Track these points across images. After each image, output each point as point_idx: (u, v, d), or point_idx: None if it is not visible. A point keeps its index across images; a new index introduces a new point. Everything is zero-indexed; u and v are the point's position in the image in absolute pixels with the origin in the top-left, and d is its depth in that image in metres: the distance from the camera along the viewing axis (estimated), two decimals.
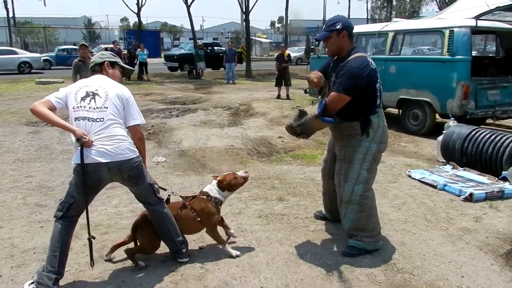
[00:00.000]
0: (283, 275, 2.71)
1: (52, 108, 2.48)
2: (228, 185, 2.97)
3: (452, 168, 4.99)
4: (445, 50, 6.63)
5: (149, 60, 17.71)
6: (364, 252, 2.95)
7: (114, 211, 3.79)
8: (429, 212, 3.76)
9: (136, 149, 2.58)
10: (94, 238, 2.67)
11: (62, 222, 2.54)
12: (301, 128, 2.81)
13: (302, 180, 4.67)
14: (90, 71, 2.78)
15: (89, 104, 2.50)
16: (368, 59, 2.76)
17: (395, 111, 8.08)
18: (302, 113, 2.80)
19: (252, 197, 4.13)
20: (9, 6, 35.38)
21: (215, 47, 23.14)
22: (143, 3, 20.92)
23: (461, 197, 4.06)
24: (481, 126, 6.49)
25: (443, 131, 5.52)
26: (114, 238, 3.20)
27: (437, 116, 7.15)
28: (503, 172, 4.52)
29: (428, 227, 3.46)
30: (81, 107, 2.50)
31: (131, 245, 2.91)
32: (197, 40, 20.68)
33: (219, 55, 21.03)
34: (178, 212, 2.89)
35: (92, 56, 4.25)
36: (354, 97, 2.71)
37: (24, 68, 20.57)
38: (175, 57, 21.32)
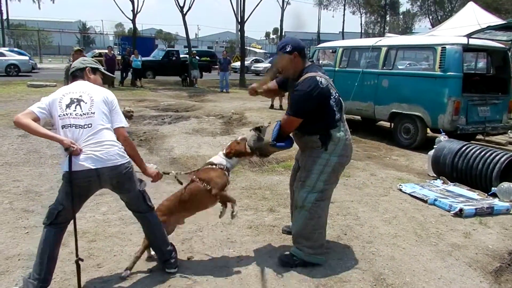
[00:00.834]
0: None
1: (36, 119, 2.42)
2: (236, 152, 3.05)
3: (443, 183, 5.02)
4: (437, 66, 6.72)
5: None
6: (299, 264, 2.93)
7: (102, 218, 3.73)
8: (419, 227, 3.76)
9: (126, 155, 2.55)
10: (82, 260, 2.51)
11: (51, 229, 2.49)
12: (259, 151, 3.00)
13: None
14: (71, 76, 2.73)
15: (75, 111, 2.47)
16: (318, 78, 2.77)
17: (387, 124, 8.14)
18: (259, 139, 2.94)
19: (243, 207, 4.10)
20: (3, 8, 35.27)
21: (185, 56, 21.26)
22: (138, 10, 20.92)
23: (451, 212, 4.08)
24: (472, 141, 6.55)
25: (434, 146, 5.56)
26: (101, 246, 3.15)
27: (428, 130, 7.22)
28: (493, 188, 4.55)
29: (418, 242, 3.46)
30: (67, 114, 2.46)
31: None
32: (192, 48, 20.67)
33: (185, 64, 19.87)
34: (190, 190, 2.96)
35: None
36: (309, 117, 2.82)
37: (12, 70, 20.31)
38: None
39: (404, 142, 7.35)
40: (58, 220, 2.50)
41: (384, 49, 7.72)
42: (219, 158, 3.07)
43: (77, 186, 2.42)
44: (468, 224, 3.86)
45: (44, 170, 5.14)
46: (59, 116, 2.46)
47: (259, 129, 2.98)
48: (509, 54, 7.88)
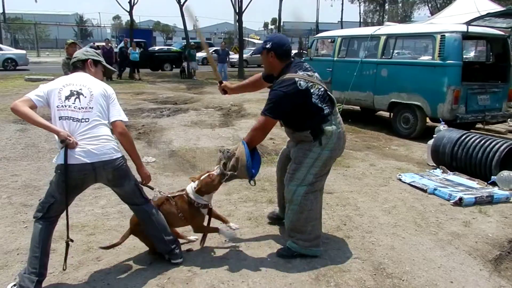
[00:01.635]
0: (272, 279, 2.67)
1: (33, 107, 2.41)
2: (207, 190, 2.90)
3: (442, 172, 5.01)
4: (436, 54, 6.67)
5: None
6: (297, 256, 2.93)
7: (101, 211, 3.73)
8: (419, 216, 3.76)
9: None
10: (72, 241, 2.58)
11: (42, 222, 2.48)
12: (231, 178, 2.85)
13: None
14: (72, 66, 2.71)
15: (73, 103, 2.45)
16: (296, 80, 2.70)
17: (386, 114, 8.11)
18: (233, 167, 2.80)
19: (242, 199, 4.10)
20: None
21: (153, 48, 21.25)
22: (135, 2, 20.70)
23: (451, 201, 4.07)
24: (471, 130, 6.53)
25: (434, 135, 5.54)
26: (100, 240, 3.14)
27: (428, 120, 7.19)
28: (492, 177, 4.54)
29: (418, 231, 3.46)
30: (65, 106, 2.44)
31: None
32: (189, 40, 20.53)
33: (154, 56, 19.44)
34: (164, 205, 2.88)
35: None
36: (289, 117, 2.80)
37: (9, 65, 20.23)
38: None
39: (404, 132, 7.32)
40: (50, 213, 2.49)
41: (383, 38, 7.65)
42: (195, 194, 2.88)
43: (72, 179, 2.40)
44: (468, 213, 3.85)
45: (43, 164, 5.12)
46: (57, 106, 2.44)
47: (225, 164, 2.84)
48: (509, 41, 7.82)
